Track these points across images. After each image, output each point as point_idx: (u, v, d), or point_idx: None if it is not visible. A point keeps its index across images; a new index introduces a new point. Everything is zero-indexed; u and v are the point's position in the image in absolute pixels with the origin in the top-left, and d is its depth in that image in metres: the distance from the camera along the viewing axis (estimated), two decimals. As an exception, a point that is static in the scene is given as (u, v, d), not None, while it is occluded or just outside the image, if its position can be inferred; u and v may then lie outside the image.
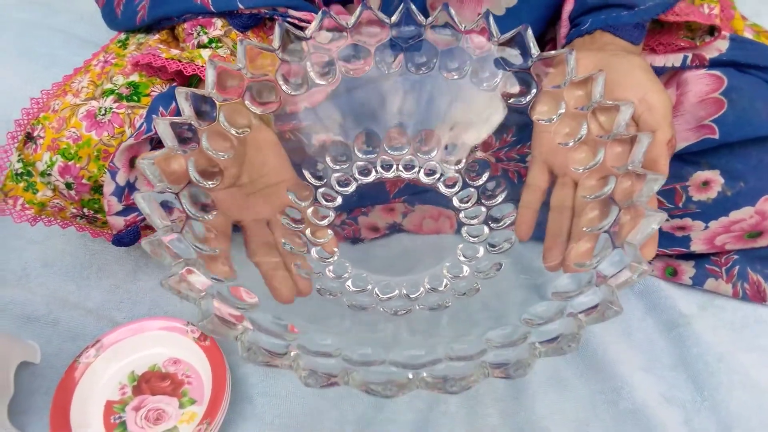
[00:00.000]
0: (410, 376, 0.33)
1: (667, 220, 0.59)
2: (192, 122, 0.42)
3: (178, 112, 0.51)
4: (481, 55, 0.48)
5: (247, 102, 0.46)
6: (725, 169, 0.56)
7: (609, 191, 0.41)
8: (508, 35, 0.46)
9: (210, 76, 0.43)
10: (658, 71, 0.55)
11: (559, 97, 0.46)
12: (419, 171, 0.52)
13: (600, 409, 0.55)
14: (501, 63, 0.47)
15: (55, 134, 0.51)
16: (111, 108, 0.51)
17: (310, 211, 0.50)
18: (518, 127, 0.64)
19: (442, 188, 0.52)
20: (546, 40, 0.63)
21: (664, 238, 0.60)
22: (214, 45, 0.52)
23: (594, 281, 0.37)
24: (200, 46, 0.53)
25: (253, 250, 0.46)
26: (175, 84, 0.53)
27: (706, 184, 0.57)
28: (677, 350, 0.58)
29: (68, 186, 0.51)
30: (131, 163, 0.51)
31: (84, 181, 0.51)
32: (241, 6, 0.52)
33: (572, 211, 0.44)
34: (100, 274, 0.66)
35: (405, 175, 0.52)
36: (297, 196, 0.49)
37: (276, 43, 0.45)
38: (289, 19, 0.54)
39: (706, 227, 0.58)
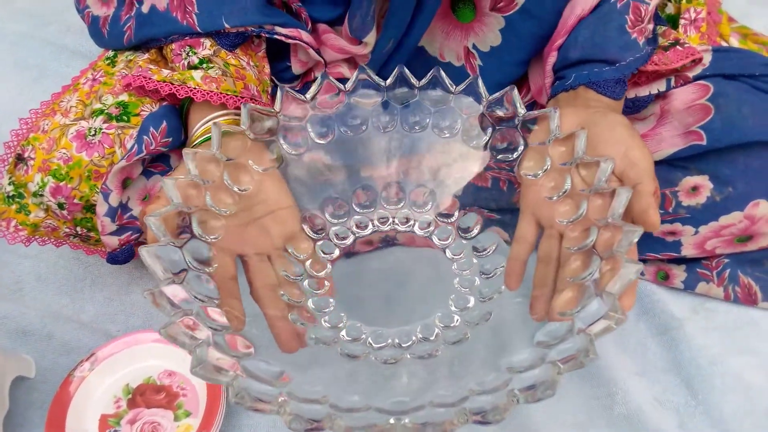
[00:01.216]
0: (392, 421, 0.35)
1: None
2: (197, 181, 0.44)
3: (168, 132, 0.52)
4: (471, 114, 0.51)
5: (250, 161, 0.49)
6: (714, 175, 0.56)
7: (591, 242, 0.43)
8: (496, 95, 0.49)
9: (215, 136, 0.45)
10: (645, 100, 0.57)
11: (545, 153, 0.48)
12: (414, 224, 0.55)
13: (595, 415, 0.55)
14: (489, 121, 0.51)
15: (46, 155, 0.51)
16: (101, 128, 0.51)
17: (308, 263, 0.52)
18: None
19: (435, 240, 0.54)
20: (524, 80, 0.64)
21: (655, 243, 0.60)
22: (204, 66, 0.52)
23: (575, 330, 0.38)
24: (190, 66, 0.52)
25: (259, 295, 0.47)
26: (165, 103, 0.53)
27: (695, 189, 0.57)
28: (670, 354, 0.58)
29: (60, 206, 0.51)
30: (124, 184, 0.51)
31: (76, 201, 0.51)
32: (227, 25, 0.52)
33: (558, 262, 0.46)
34: (94, 287, 0.66)
35: (401, 228, 0.55)
36: (296, 249, 0.51)
37: (277, 106, 0.49)
38: (276, 36, 0.54)
39: (696, 232, 0.58)
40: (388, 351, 0.47)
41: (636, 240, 0.39)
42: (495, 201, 0.61)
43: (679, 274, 0.61)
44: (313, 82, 0.58)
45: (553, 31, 0.56)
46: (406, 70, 0.50)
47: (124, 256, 0.55)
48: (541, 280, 0.46)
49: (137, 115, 0.52)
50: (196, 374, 0.35)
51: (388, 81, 0.50)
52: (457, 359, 0.46)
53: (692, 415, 0.54)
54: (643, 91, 0.57)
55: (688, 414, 0.54)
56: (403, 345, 0.47)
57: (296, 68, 0.58)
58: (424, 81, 0.50)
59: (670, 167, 0.57)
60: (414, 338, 0.48)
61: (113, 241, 0.53)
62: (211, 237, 0.45)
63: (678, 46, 0.55)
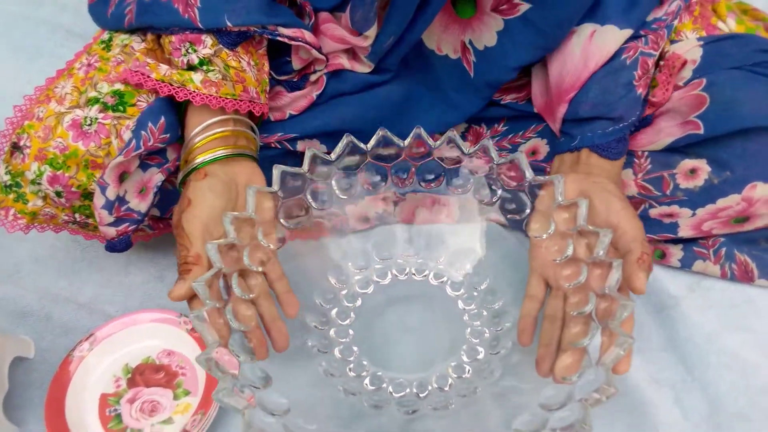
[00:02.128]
0: None
1: (655, 207, 0.60)
2: (236, 242, 0.48)
3: (166, 128, 0.52)
4: (482, 175, 0.56)
5: (281, 220, 0.54)
6: (712, 158, 0.56)
7: (590, 310, 0.46)
8: (506, 159, 0.53)
9: (250, 200, 0.49)
10: None
11: (550, 217, 0.51)
12: (429, 274, 0.59)
13: (591, 392, 0.55)
14: (499, 183, 0.55)
15: (42, 144, 0.50)
16: (96, 118, 0.51)
17: (334, 312, 0.56)
18: (509, 119, 0.65)
19: (449, 291, 0.58)
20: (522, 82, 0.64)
21: (652, 224, 0.60)
22: (204, 68, 0.51)
23: (574, 397, 0.41)
24: (190, 66, 0.51)
25: (257, 298, 0.49)
26: (161, 96, 0.52)
27: (693, 171, 0.57)
28: (666, 332, 0.58)
29: (58, 194, 0.51)
30: (121, 178, 0.51)
31: (74, 189, 0.51)
32: (229, 24, 0.51)
33: (563, 322, 0.48)
34: (92, 269, 0.66)
35: (417, 278, 0.59)
36: (323, 299, 0.56)
37: (305, 167, 0.53)
38: (279, 38, 0.53)
39: (694, 214, 0.58)
40: (407, 399, 0.50)
41: (628, 314, 0.42)
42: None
43: (675, 252, 0.61)
44: (311, 74, 0.58)
45: (552, 44, 0.56)
46: (423, 131, 0.54)
47: (122, 245, 0.55)
48: (546, 339, 0.48)
49: (133, 105, 0.51)
50: None
51: (407, 141, 0.55)
52: (466, 413, 0.49)
53: (688, 391, 0.55)
54: None
55: (684, 391, 0.55)
56: (421, 395, 0.51)
57: (296, 64, 0.58)
58: (439, 142, 0.54)
59: (668, 151, 0.57)
60: (430, 387, 0.51)
61: (111, 232, 0.53)
62: (250, 295, 0.49)
63: (660, 62, 0.56)
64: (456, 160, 0.56)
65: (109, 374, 0.57)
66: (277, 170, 0.51)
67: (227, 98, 0.51)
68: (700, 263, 0.61)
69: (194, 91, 0.50)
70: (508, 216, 0.55)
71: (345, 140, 0.54)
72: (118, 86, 0.52)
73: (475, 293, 0.57)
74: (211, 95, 0.50)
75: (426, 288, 0.58)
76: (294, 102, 0.58)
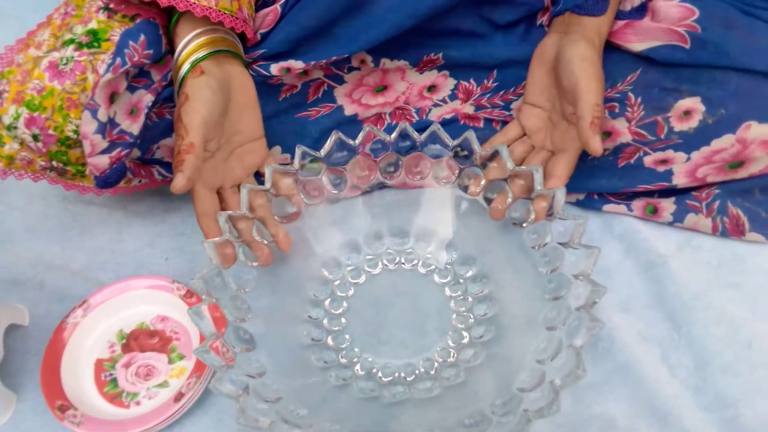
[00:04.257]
0: None
1: (649, 154, 0.60)
2: (231, 240, 0.52)
3: (149, 45, 0.53)
4: (467, 167, 0.58)
5: (275, 216, 0.57)
6: (706, 96, 0.56)
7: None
8: (488, 152, 0.55)
9: (244, 197, 0.53)
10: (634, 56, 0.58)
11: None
12: (418, 263, 0.61)
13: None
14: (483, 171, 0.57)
15: (20, 87, 0.51)
16: (72, 57, 0.51)
17: (327, 302, 0.59)
18: (499, 69, 0.64)
19: (436, 279, 0.60)
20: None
21: (646, 174, 0.60)
22: None
23: (546, 381, 0.44)
24: None
25: (236, 218, 0.53)
26: (139, 21, 0.52)
27: (687, 113, 0.57)
28: (654, 290, 0.59)
29: (35, 138, 0.51)
30: (111, 99, 0.51)
31: (50, 132, 0.51)
32: None
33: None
34: (84, 236, 0.66)
35: (407, 267, 0.61)
36: (316, 292, 0.59)
37: (296, 165, 0.56)
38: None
39: (688, 159, 0.58)
40: (396, 387, 0.53)
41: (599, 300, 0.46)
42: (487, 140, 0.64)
43: (668, 206, 0.61)
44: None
45: None
46: (409, 126, 0.57)
47: (115, 175, 0.55)
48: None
49: (107, 40, 0.51)
50: (240, 424, 0.42)
51: (393, 135, 0.57)
52: (451, 396, 0.51)
53: (675, 348, 0.55)
54: (638, 47, 0.57)
55: (671, 347, 0.56)
56: (408, 379, 0.53)
57: None
58: (424, 135, 0.57)
59: (662, 92, 0.57)
60: (417, 371, 0.54)
61: (103, 161, 0.53)
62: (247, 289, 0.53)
63: None
64: (439, 154, 0.59)
65: (104, 340, 0.58)
66: (268, 169, 0.55)
67: (225, 13, 0.51)
68: (692, 217, 0.61)
69: (195, 3, 0.50)
70: (492, 206, 0.57)
71: (333, 137, 0.56)
72: (92, 25, 0.52)
73: (461, 281, 0.59)
74: (211, 8, 0.51)
75: (415, 277, 0.60)
76: (263, 19, 0.58)
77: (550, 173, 0.56)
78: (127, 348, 0.57)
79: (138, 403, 0.54)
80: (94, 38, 0.52)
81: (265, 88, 0.61)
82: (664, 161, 0.60)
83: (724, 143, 0.57)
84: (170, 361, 0.56)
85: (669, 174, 0.60)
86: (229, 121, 0.55)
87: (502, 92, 0.65)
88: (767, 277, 0.59)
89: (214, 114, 0.51)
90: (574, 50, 0.53)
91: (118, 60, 0.50)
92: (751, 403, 0.52)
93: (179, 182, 0.48)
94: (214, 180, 0.54)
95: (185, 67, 0.52)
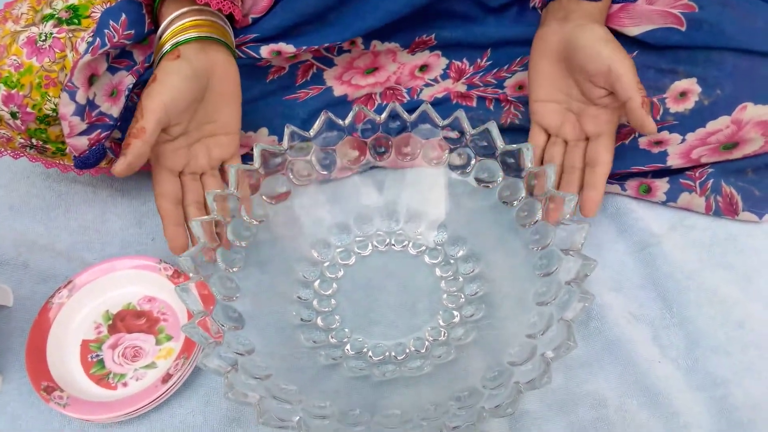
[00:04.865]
0: None
1: (644, 135, 0.59)
2: (219, 219, 0.51)
3: (129, 25, 0.51)
4: (455, 147, 0.58)
5: (263, 197, 0.56)
6: (702, 77, 0.55)
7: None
8: (478, 129, 0.55)
9: (232, 178, 0.52)
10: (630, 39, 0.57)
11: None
12: (408, 245, 0.60)
13: (570, 330, 0.56)
14: (473, 152, 0.57)
15: None
16: (51, 33, 0.50)
17: (316, 283, 0.58)
18: (493, 49, 0.63)
19: (427, 259, 0.59)
20: None
21: (641, 155, 0.60)
22: None
23: (537, 354, 0.44)
24: None
25: (188, 211, 0.54)
26: None
27: (683, 94, 0.56)
28: (647, 270, 0.58)
29: (13, 115, 0.50)
30: (90, 81, 0.50)
31: (29, 109, 0.50)
32: None
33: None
34: (68, 216, 0.65)
35: (397, 248, 0.60)
36: (305, 273, 0.58)
37: (285, 145, 0.55)
38: None
39: (683, 140, 0.57)
40: (386, 366, 0.52)
41: (590, 273, 0.46)
42: (482, 121, 0.62)
43: (661, 186, 0.61)
44: None
45: None
46: (398, 106, 0.56)
47: (94, 157, 0.54)
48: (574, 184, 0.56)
49: (88, 17, 0.50)
50: (229, 399, 0.42)
51: (383, 116, 0.57)
52: (442, 374, 0.51)
53: (666, 327, 0.55)
54: (633, 31, 0.56)
55: (662, 327, 0.55)
56: (399, 358, 0.53)
57: None
58: (414, 115, 0.57)
59: (658, 73, 0.56)
60: (407, 350, 0.53)
61: (81, 143, 0.52)
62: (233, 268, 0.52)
63: None
64: (429, 134, 0.58)
65: (90, 321, 0.57)
66: (257, 148, 0.54)
67: None
68: (685, 196, 0.60)
69: None
70: (482, 185, 0.57)
71: (323, 117, 0.55)
72: (73, 0, 0.51)
73: (452, 261, 0.58)
74: None
75: (405, 258, 0.60)
76: (257, 3, 0.56)
77: (596, 160, 0.54)
78: (113, 329, 0.57)
79: (125, 385, 0.53)
80: (75, 14, 0.50)
81: (253, 69, 0.60)
82: (658, 142, 0.59)
83: (720, 125, 0.56)
84: (158, 342, 0.56)
85: (663, 155, 0.59)
86: (204, 108, 0.53)
87: (495, 70, 0.64)
88: (760, 257, 0.58)
89: (179, 101, 0.50)
90: (591, 34, 0.52)
91: (98, 41, 0.49)
92: (742, 382, 0.52)
93: (118, 166, 0.48)
94: (174, 163, 0.53)
95: (165, 48, 0.50)
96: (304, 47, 0.57)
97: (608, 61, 0.50)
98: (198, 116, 0.53)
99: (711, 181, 0.59)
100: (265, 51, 0.57)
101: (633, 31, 0.56)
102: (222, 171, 0.57)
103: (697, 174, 0.60)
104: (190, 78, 0.50)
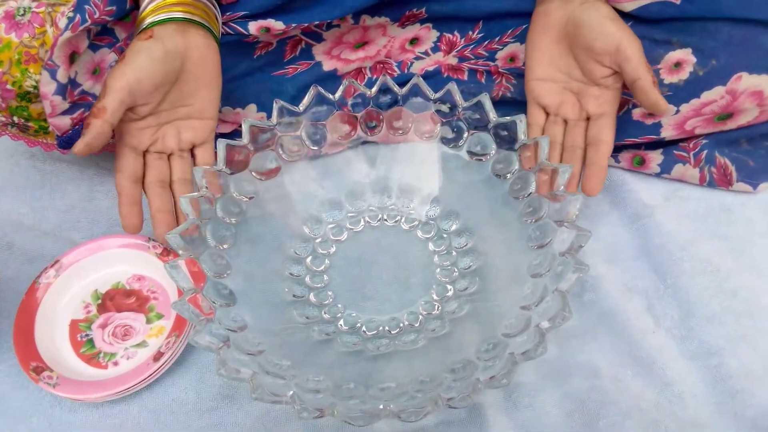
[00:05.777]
0: (381, 406, 0.41)
1: (638, 107, 0.58)
2: (208, 196, 0.50)
3: (110, 1, 0.50)
4: (447, 120, 0.57)
5: (253, 173, 0.55)
6: (697, 47, 0.54)
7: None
8: (470, 102, 0.54)
9: (221, 153, 0.52)
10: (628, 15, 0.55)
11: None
12: (401, 219, 0.60)
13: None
14: (465, 125, 0.57)
15: None
16: (30, 8, 0.48)
17: (308, 259, 0.57)
18: (485, 21, 0.62)
19: (419, 234, 0.59)
20: None
21: (634, 127, 0.59)
22: None
23: (532, 326, 0.44)
24: None
25: (149, 189, 0.52)
26: None
27: (678, 65, 0.55)
28: (641, 241, 0.58)
29: None
30: (71, 59, 0.49)
31: (8, 86, 0.48)
32: None
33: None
34: (54, 195, 0.64)
35: (389, 223, 0.60)
36: (297, 250, 0.57)
37: (274, 120, 0.55)
38: None
39: (677, 111, 0.57)
40: (380, 340, 0.52)
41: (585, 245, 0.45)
42: (473, 94, 0.61)
43: (655, 157, 0.60)
44: None
45: None
46: (389, 79, 0.56)
47: (78, 136, 0.52)
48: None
49: None
50: (221, 375, 0.41)
51: (373, 90, 0.56)
52: (437, 347, 0.50)
53: (660, 298, 0.55)
54: (629, 6, 0.55)
55: (656, 297, 0.55)
56: (393, 332, 0.52)
57: None
58: (405, 89, 0.56)
59: (653, 44, 0.55)
60: (401, 325, 0.53)
61: (64, 122, 0.51)
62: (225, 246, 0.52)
63: None
64: (422, 107, 0.57)
65: (78, 300, 0.56)
66: (245, 124, 0.54)
67: None
68: (679, 167, 0.60)
69: None
70: (474, 158, 0.57)
71: (312, 91, 0.55)
72: None
73: (445, 235, 0.58)
74: None
75: (398, 233, 0.59)
76: None
77: (598, 139, 0.53)
78: (102, 308, 0.56)
79: (116, 364, 0.53)
80: None
81: (239, 45, 0.58)
82: (652, 114, 0.58)
83: (714, 95, 0.55)
84: (148, 321, 0.55)
85: (657, 127, 0.58)
86: (179, 91, 0.52)
87: (486, 42, 0.63)
88: (754, 228, 0.58)
89: (145, 82, 0.48)
90: (597, 13, 0.51)
91: (78, 17, 0.47)
92: (735, 351, 0.52)
93: (77, 146, 0.47)
94: (139, 141, 0.52)
95: (143, 25, 0.49)
96: (294, 24, 0.55)
97: (616, 40, 0.50)
98: (171, 97, 0.52)
99: (705, 152, 0.59)
100: (253, 27, 0.55)
101: (628, 6, 0.55)
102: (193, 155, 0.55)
103: (691, 145, 0.59)
104: (159, 59, 0.48)
